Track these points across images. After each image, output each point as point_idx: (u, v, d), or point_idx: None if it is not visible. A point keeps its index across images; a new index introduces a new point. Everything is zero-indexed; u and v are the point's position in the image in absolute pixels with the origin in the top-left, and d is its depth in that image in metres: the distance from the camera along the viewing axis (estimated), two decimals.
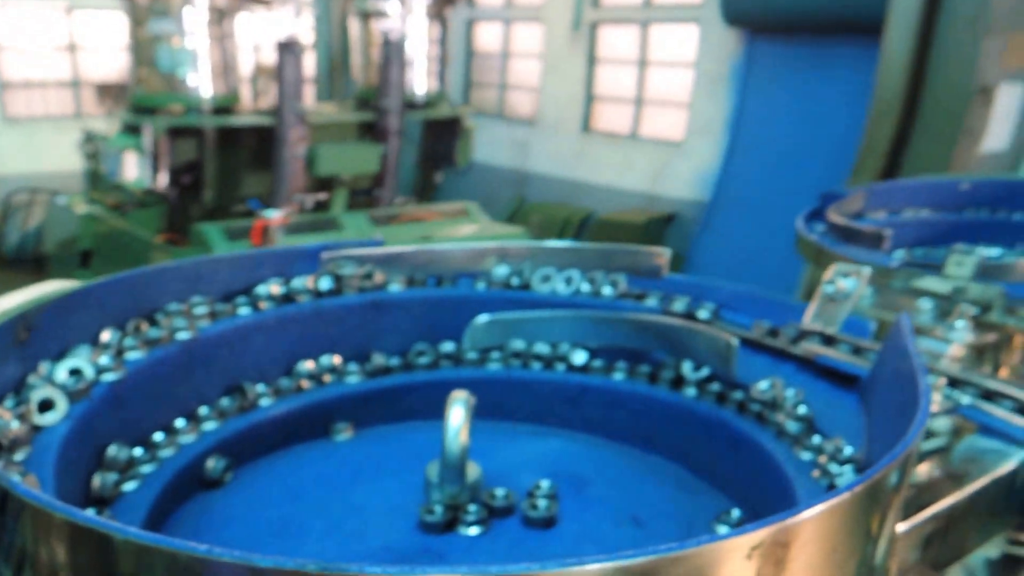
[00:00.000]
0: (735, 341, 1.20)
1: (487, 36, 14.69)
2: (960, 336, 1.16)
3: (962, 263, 1.42)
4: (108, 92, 13.66)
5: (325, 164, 9.41)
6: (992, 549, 1.08)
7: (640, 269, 1.42)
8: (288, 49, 8.97)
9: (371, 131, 10.01)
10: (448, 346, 1.45)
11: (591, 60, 12.88)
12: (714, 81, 10.97)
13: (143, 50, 9.29)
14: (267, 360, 1.38)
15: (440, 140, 10.81)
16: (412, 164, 11.34)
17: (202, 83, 9.25)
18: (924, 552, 0.97)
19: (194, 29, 9.07)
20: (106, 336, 1.20)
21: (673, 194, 11.61)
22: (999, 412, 1.08)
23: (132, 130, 9.29)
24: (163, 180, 9.03)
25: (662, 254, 1.44)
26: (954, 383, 1.11)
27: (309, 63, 13.66)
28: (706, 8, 10.88)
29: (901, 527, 0.90)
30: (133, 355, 1.19)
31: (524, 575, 0.61)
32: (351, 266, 1.45)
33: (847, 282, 1.17)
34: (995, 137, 7.08)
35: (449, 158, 10.77)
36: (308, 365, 1.41)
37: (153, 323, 1.27)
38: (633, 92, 12.37)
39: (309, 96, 13.50)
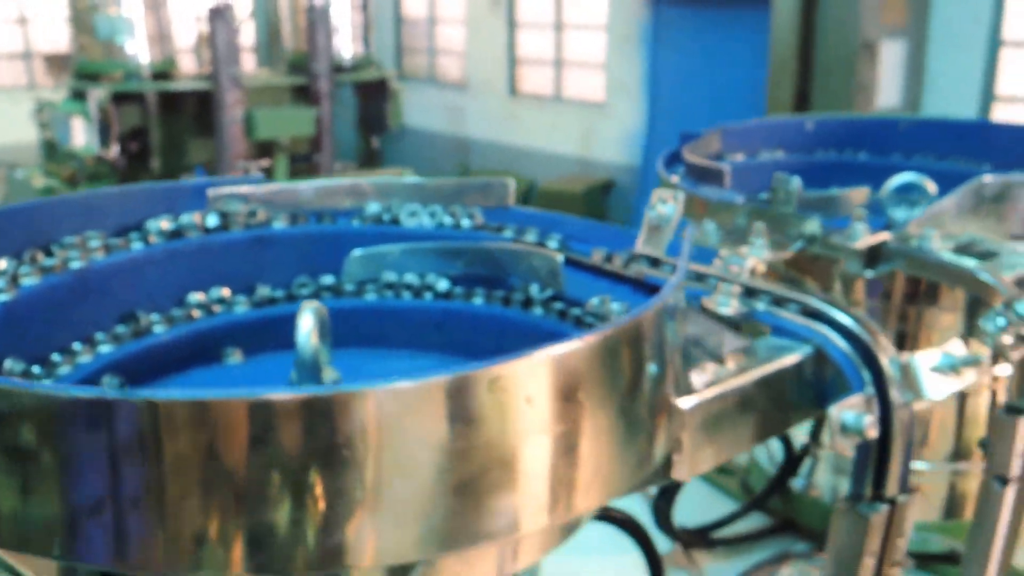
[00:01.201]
0: (560, 258, 1.36)
1: (414, 3, 14.85)
2: (758, 252, 1.32)
3: (787, 200, 1.59)
4: (57, 62, 13.60)
5: (263, 128, 9.54)
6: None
7: (490, 200, 1.58)
8: (219, 15, 9.06)
9: (304, 95, 10.22)
10: (328, 279, 1.59)
11: (511, 24, 13.17)
12: (626, 43, 11.31)
13: (82, 19, 9.54)
14: (159, 291, 1.51)
15: (371, 103, 11.08)
16: (350, 129, 11.54)
17: (140, 50, 9.43)
18: (717, 430, 1.12)
19: None
20: (1, 264, 1.32)
21: (605, 158, 11.86)
22: (787, 315, 1.25)
23: (79, 96, 9.47)
24: (114, 147, 9.15)
25: (508, 184, 1.59)
26: (751, 293, 1.28)
27: (249, 32, 13.63)
28: None
29: (686, 403, 1.06)
30: (28, 280, 1.31)
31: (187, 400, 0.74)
32: (237, 203, 1.58)
33: (666, 207, 1.33)
34: (887, 93, 7.53)
35: (381, 121, 11.01)
36: (199, 296, 1.54)
37: (49, 254, 1.40)
38: (552, 54, 12.73)
39: (250, 64, 13.55)
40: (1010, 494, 1.45)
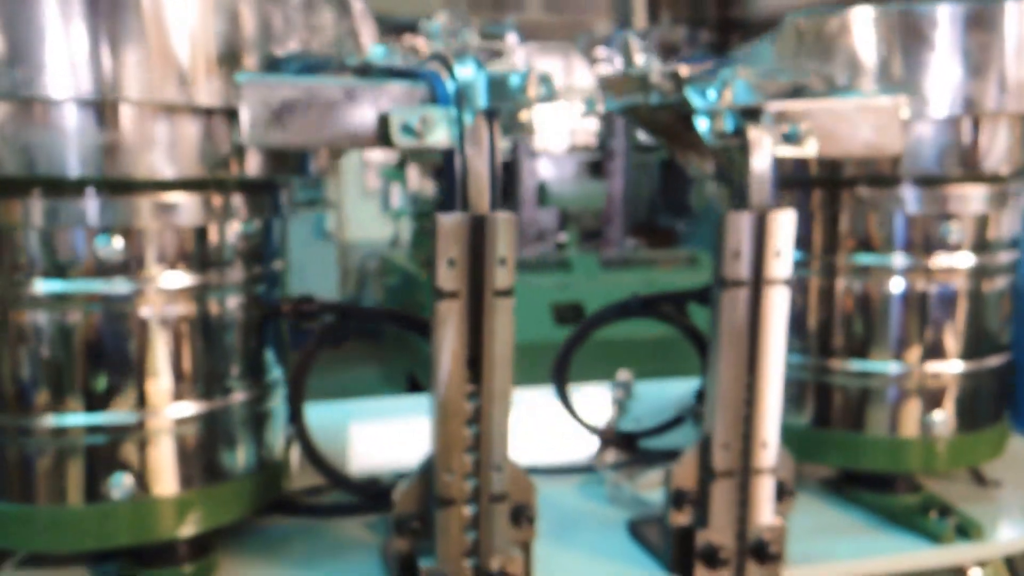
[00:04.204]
0: None
1: None
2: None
3: (629, 57, 1.73)
4: None
5: (554, 195, 10.31)
6: None
7: None
8: None
9: (598, 170, 10.87)
10: None
11: None
12: None
13: None
14: None
15: (676, 184, 11.33)
16: (647, 208, 11.83)
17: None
18: (287, 116, 1.26)
19: None
20: None
21: None
22: (430, 65, 1.37)
23: (400, 167, 10.71)
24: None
25: None
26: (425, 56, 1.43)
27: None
28: None
29: (245, 80, 1.24)
30: None
31: None
32: None
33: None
34: None
35: (682, 202, 11.25)
36: None
37: None
38: None
39: None
40: (734, 296, 1.42)
